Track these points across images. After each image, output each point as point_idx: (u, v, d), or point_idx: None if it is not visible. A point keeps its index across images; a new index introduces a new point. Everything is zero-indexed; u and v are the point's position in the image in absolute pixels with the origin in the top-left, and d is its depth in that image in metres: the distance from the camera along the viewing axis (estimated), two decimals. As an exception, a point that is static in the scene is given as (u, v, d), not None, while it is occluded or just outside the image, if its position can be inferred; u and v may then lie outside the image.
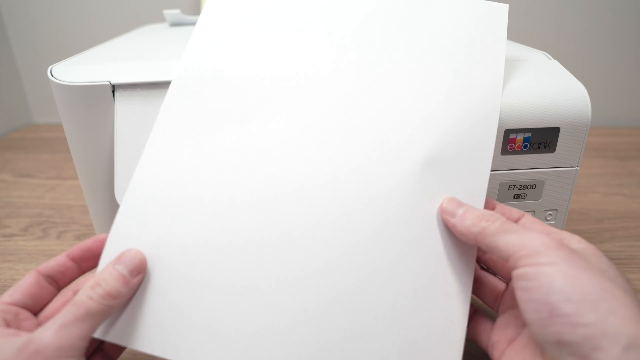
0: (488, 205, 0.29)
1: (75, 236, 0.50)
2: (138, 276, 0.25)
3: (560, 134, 0.32)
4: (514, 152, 0.32)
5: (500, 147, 0.32)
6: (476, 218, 0.25)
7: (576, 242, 0.25)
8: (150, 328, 0.25)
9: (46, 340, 0.21)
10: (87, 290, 0.23)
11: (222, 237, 0.27)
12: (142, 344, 0.25)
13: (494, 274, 0.30)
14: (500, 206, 0.29)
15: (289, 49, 0.32)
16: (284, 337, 0.25)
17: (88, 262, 0.27)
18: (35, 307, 0.26)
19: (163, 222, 0.27)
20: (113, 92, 0.32)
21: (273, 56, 0.32)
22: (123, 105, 0.32)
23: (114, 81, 0.32)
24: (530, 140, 0.32)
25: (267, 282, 0.26)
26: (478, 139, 0.29)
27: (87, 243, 0.27)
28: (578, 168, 0.34)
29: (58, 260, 0.27)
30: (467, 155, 0.29)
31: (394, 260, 0.26)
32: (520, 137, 0.32)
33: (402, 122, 0.29)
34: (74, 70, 0.33)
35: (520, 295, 0.22)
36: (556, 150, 0.32)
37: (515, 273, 0.22)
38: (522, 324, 0.25)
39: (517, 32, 0.79)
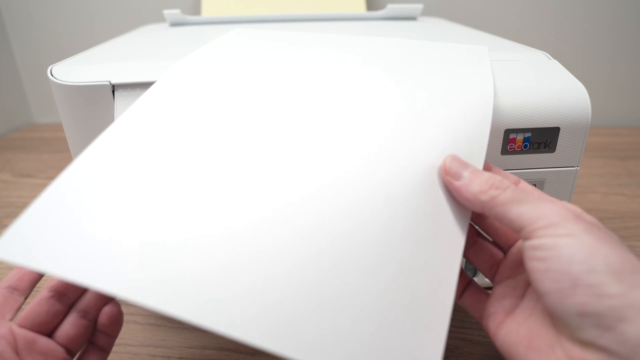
0: (484, 169, 0.27)
1: (75, 236, 0.50)
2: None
3: (560, 134, 0.32)
4: (514, 152, 0.32)
5: (500, 147, 0.32)
6: (484, 184, 0.23)
7: (579, 212, 0.24)
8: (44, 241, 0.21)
9: None
10: None
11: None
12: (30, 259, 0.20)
13: (491, 240, 0.29)
14: (495, 170, 0.28)
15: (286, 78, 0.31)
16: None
17: None
18: (46, 331, 0.26)
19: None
20: (113, 92, 0.32)
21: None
22: (123, 105, 0.32)
23: (114, 81, 0.32)
24: (530, 140, 0.32)
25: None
26: (473, 139, 0.28)
27: None
28: (578, 168, 0.34)
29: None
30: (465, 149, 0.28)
31: (378, 215, 0.24)
32: (520, 137, 0.32)
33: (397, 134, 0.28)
34: (74, 70, 0.33)
35: (535, 265, 0.21)
36: (556, 150, 0.33)
37: (529, 244, 0.21)
38: (521, 295, 0.25)
39: (517, 32, 0.79)
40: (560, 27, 0.78)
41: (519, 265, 0.26)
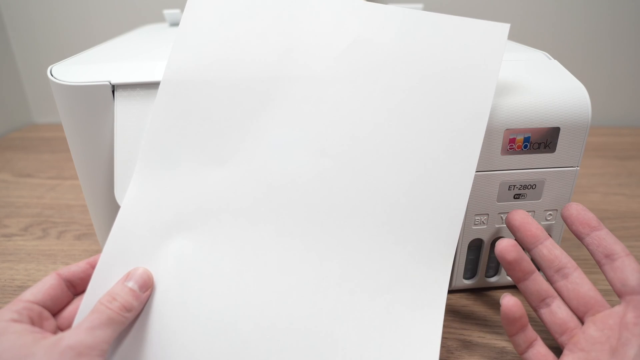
0: (590, 224, 0.29)
1: (75, 236, 0.50)
2: (147, 292, 0.27)
3: (560, 134, 0.32)
4: (514, 152, 0.32)
5: (500, 147, 0.32)
6: None
7: None
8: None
9: (78, 338, 0.23)
10: (105, 302, 0.25)
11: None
12: None
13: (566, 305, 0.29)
14: (605, 232, 0.29)
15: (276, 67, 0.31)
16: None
17: None
18: (54, 309, 0.27)
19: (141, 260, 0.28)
20: (113, 92, 0.32)
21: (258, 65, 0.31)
22: (123, 105, 0.32)
23: (114, 81, 0.32)
24: (530, 140, 0.32)
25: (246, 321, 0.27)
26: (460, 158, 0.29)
27: None
28: (578, 168, 0.34)
29: (79, 266, 0.28)
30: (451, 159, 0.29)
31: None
32: (520, 137, 0.32)
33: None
34: (74, 70, 0.33)
35: None
36: (556, 150, 0.32)
37: None
38: None
39: (517, 32, 0.79)
40: (560, 27, 0.78)
41: (598, 342, 0.26)
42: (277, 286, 0.28)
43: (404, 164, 0.29)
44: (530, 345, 0.28)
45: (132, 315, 0.26)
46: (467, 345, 0.34)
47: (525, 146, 0.32)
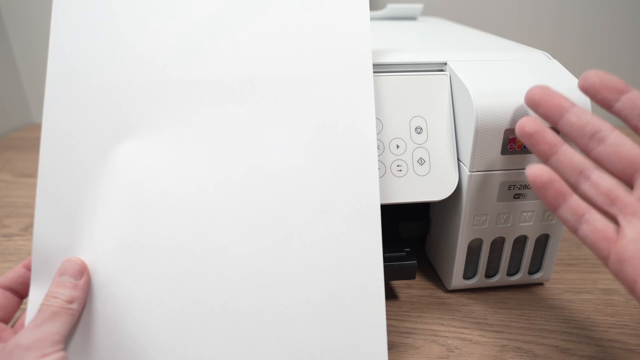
0: (617, 88, 0.25)
1: (75, 236, 0.50)
2: (83, 277, 0.27)
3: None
4: (514, 152, 0.32)
5: (500, 147, 0.32)
6: None
7: None
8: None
9: (25, 336, 0.24)
10: (46, 302, 0.25)
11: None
12: None
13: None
14: (636, 93, 0.25)
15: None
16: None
17: None
18: (7, 318, 0.27)
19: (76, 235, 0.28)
20: (113, 92, 0.32)
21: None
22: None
23: (114, 81, 0.32)
24: (530, 140, 0.32)
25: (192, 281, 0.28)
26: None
27: None
28: (578, 168, 0.33)
29: (16, 272, 0.28)
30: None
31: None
32: (520, 137, 0.32)
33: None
34: (73, 70, 0.33)
35: None
36: (556, 150, 0.32)
37: None
38: None
39: (517, 32, 0.79)
40: (560, 27, 0.78)
41: None
42: (221, 227, 0.29)
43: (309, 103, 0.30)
44: (580, 218, 0.25)
45: (79, 305, 0.26)
46: (467, 344, 0.34)
47: (525, 146, 0.32)
